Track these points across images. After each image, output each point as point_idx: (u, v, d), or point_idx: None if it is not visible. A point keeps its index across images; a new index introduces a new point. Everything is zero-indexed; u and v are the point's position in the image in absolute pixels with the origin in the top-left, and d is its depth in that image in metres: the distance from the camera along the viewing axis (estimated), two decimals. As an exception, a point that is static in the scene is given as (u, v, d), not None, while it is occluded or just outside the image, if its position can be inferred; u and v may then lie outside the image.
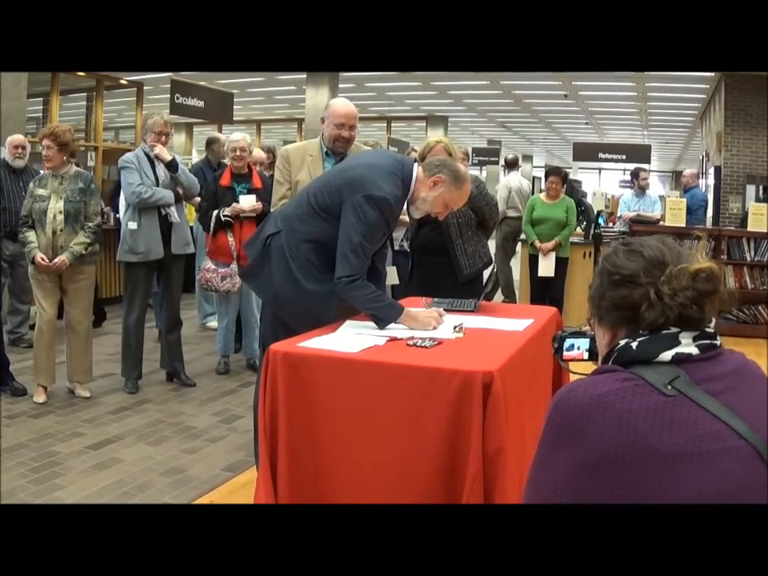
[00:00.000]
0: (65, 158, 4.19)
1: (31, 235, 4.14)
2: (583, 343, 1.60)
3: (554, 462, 1.13)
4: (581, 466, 1.08)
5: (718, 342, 1.17)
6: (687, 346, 1.14)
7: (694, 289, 1.14)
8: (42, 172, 4.39)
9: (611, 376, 1.13)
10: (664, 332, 1.15)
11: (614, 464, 1.05)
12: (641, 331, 1.16)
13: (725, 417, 1.06)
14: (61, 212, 4.14)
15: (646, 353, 1.14)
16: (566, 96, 13.40)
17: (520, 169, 8.95)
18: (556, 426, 1.13)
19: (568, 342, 1.62)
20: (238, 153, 4.76)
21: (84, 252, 4.20)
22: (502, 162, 13.85)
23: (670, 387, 1.08)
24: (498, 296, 7.77)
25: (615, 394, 1.09)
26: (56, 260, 4.10)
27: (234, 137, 4.87)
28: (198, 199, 4.95)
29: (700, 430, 1.05)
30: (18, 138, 5.24)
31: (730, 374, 1.14)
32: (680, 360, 1.12)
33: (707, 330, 1.16)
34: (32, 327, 4.93)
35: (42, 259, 4.07)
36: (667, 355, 1.13)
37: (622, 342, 1.18)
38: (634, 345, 1.16)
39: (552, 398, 1.16)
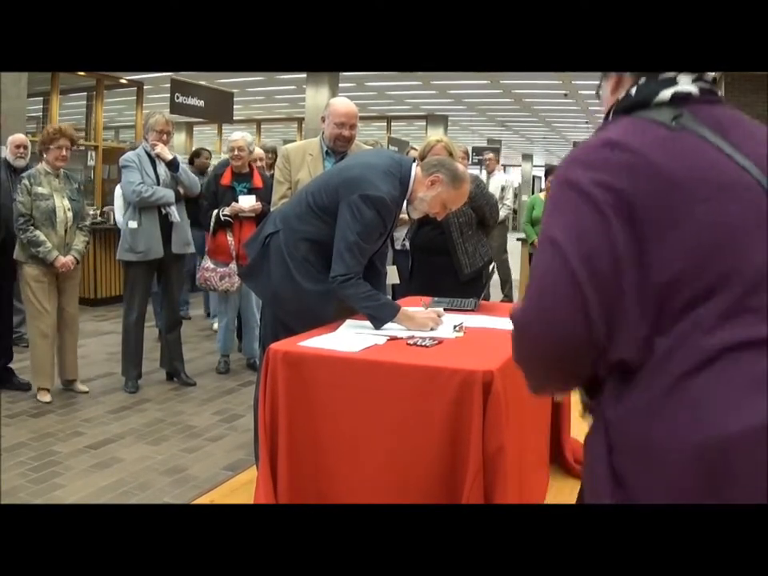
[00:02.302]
0: None
1: (41, 235, 4.10)
2: None
3: (564, 211, 1.07)
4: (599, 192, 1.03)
5: (718, 92, 1.15)
6: (686, 84, 1.12)
7: None
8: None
9: (616, 125, 1.12)
10: (661, 77, 1.13)
11: (629, 197, 1.02)
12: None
13: (735, 155, 1.05)
14: (69, 210, 4.20)
15: (645, 95, 1.12)
16: (565, 95, 13.40)
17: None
18: (563, 178, 1.09)
19: None
20: (236, 152, 4.77)
21: (84, 250, 4.33)
22: (502, 161, 13.82)
23: (674, 123, 1.07)
24: (497, 296, 7.76)
25: (623, 135, 1.07)
26: (68, 258, 4.17)
27: (233, 136, 4.89)
28: None
29: (709, 162, 1.04)
30: (20, 137, 5.22)
31: (731, 117, 1.12)
32: (680, 99, 1.11)
33: (706, 77, 1.15)
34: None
35: (67, 260, 4.15)
36: (666, 94, 1.11)
37: (623, 94, 1.16)
38: (633, 90, 1.14)
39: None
